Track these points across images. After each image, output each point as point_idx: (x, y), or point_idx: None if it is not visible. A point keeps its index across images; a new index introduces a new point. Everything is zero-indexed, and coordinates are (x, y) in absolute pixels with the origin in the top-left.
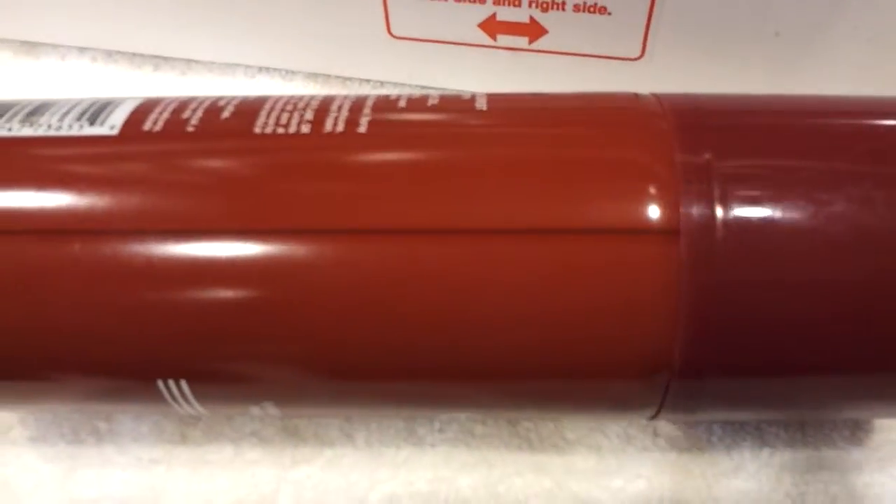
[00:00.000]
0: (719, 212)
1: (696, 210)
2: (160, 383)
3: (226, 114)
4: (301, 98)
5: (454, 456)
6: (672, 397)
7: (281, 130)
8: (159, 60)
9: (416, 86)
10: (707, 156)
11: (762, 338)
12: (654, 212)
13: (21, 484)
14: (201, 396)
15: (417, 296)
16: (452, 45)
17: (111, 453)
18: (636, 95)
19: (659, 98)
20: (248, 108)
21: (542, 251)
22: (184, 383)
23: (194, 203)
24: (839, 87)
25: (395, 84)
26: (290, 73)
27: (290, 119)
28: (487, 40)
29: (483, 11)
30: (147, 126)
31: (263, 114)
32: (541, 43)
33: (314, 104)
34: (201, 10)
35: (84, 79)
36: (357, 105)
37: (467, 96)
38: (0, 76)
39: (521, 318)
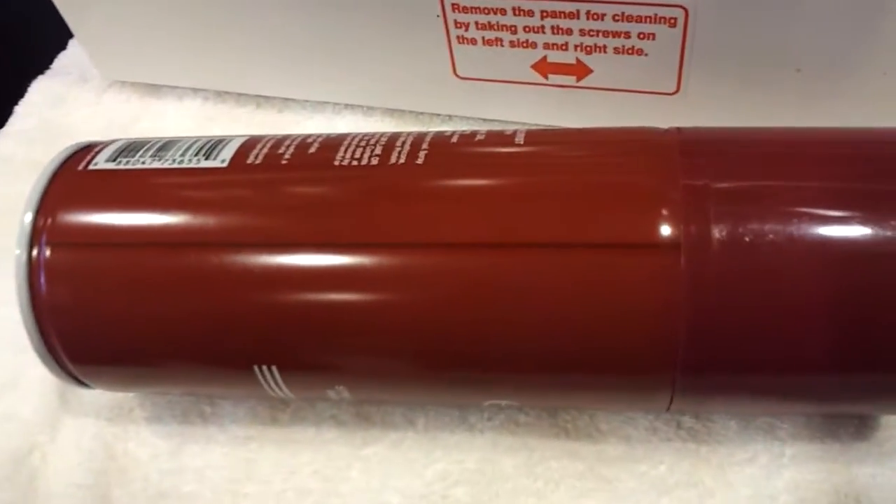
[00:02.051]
0: (715, 229)
1: (694, 228)
2: (256, 368)
3: (312, 150)
4: (373, 136)
5: (500, 441)
6: (679, 391)
7: (355, 163)
8: (261, 99)
9: (479, 118)
10: (705, 181)
11: (750, 338)
12: (661, 229)
13: (141, 454)
14: (288, 380)
15: (463, 300)
16: (510, 84)
17: (214, 432)
18: (653, 129)
19: (678, 130)
20: (330, 145)
21: (566, 262)
22: (275, 369)
23: (285, 221)
24: (858, 118)
25: (462, 118)
26: (370, 109)
27: (363, 153)
28: (540, 79)
29: (535, 54)
30: (250, 160)
31: (342, 149)
32: (587, 81)
33: (382, 141)
34: (296, 56)
35: (197, 116)
36: (417, 141)
37: (509, 132)
38: (129, 113)
39: (551, 318)
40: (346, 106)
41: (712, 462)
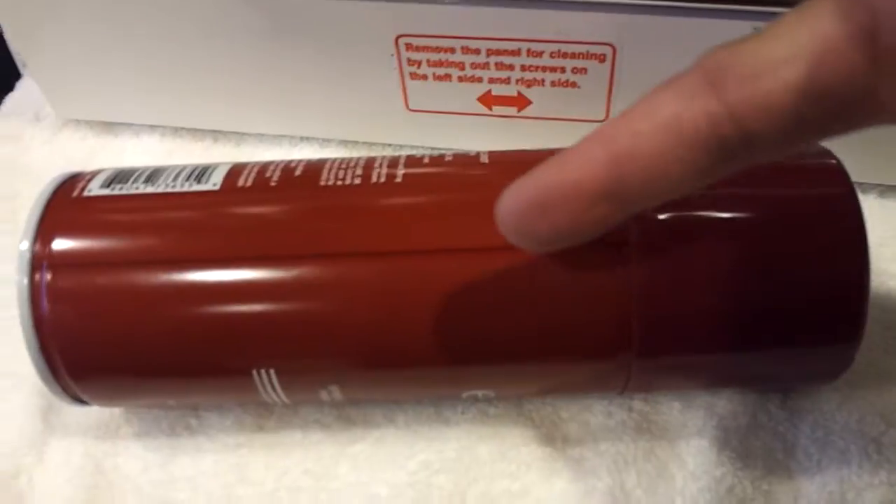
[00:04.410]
0: (658, 231)
1: (643, 230)
2: (255, 373)
3: (297, 172)
4: (352, 160)
5: (474, 431)
6: (635, 372)
7: (339, 183)
8: (217, 134)
9: (428, 147)
10: None
11: (692, 322)
12: (615, 231)
13: (131, 468)
14: (284, 383)
15: (436, 299)
16: (457, 115)
17: (203, 441)
18: None
19: None
20: (313, 168)
21: (535, 262)
22: (272, 372)
23: (280, 236)
24: None
25: (412, 147)
26: (325, 141)
27: (345, 175)
28: (485, 110)
29: (481, 88)
30: (240, 183)
31: (325, 172)
32: (527, 111)
33: (361, 163)
34: (252, 93)
35: (155, 151)
36: (393, 162)
37: (473, 153)
38: (86, 150)
39: (527, 313)
40: (302, 139)
41: (664, 438)
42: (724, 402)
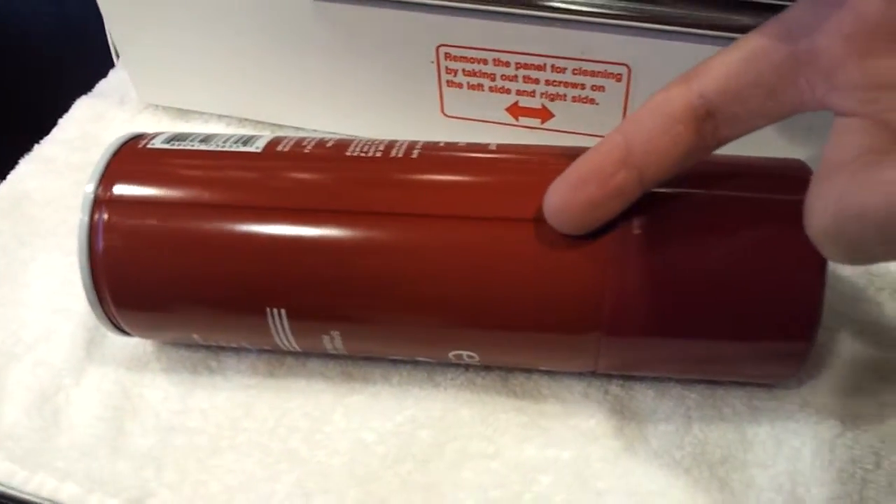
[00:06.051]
0: (634, 224)
1: (619, 222)
2: (268, 311)
3: (328, 144)
4: (377, 140)
5: (460, 396)
6: (604, 350)
7: (363, 154)
8: (275, 127)
9: None
10: None
11: (655, 308)
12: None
13: (153, 396)
14: (293, 324)
15: (430, 259)
16: (487, 123)
17: (219, 381)
18: None
19: None
20: (343, 142)
21: (518, 234)
22: (283, 312)
23: (305, 192)
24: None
25: None
26: None
27: (369, 149)
28: (512, 120)
29: (509, 99)
30: (279, 148)
31: (352, 145)
32: (549, 124)
33: (385, 143)
34: (308, 93)
35: None
36: (412, 144)
37: (484, 143)
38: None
39: (499, 280)
40: (349, 136)
41: (633, 421)
42: (695, 395)
